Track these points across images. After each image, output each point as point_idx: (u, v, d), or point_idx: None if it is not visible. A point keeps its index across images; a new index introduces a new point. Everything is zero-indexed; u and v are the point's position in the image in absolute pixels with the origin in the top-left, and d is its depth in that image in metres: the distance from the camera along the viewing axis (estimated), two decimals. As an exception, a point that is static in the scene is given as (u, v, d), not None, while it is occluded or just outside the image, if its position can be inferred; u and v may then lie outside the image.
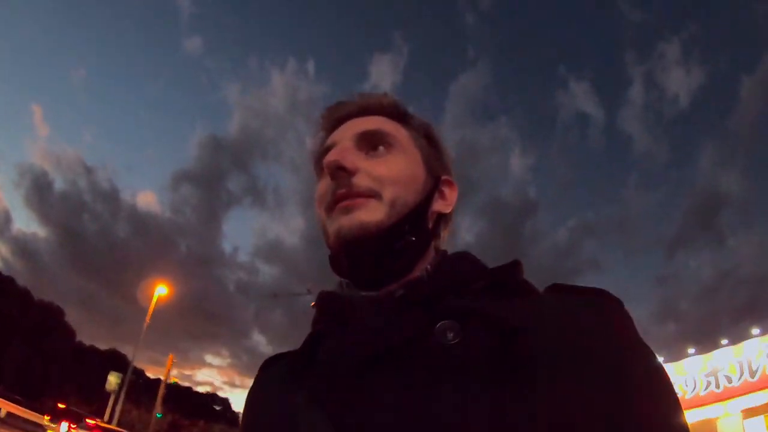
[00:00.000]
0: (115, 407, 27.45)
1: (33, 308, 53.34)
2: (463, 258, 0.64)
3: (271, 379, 0.68)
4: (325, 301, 0.66)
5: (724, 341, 13.74)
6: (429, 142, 0.73)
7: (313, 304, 0.68)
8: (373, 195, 0.62)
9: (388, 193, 0.63)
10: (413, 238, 0.63)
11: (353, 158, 0.64)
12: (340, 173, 0.63)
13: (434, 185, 0.70)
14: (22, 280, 49.81)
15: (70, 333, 62.31)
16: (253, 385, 0.71)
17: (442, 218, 0.72)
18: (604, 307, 0.55)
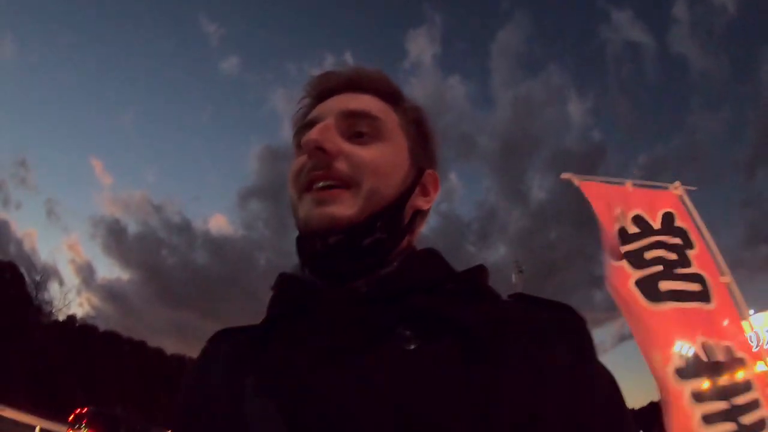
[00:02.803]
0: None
1: (168, 362, 60.00)
2: (431, 257, 0.63)
3: (219, 357, 0.62)
4: (285, 285, 0.63)
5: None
6: (418, 129, 0.69)
7: (271, 286, 0.64)
8: (350, 184, 0.60)
9: (366, 184, 0.60)
10: (385, 236, 0.60)
11: (335, 140, 0.61)
12: (319, 154, 0.59)
13: (416, 178, 0.66)
14: (113, 323, 55.42)
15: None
16: (198, 359, 0.65)
17: (419, 214, 0.67)
18: (567, 323, 0.54)
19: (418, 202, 0.67)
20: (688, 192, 3.45)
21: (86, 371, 43.76)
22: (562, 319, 0.55)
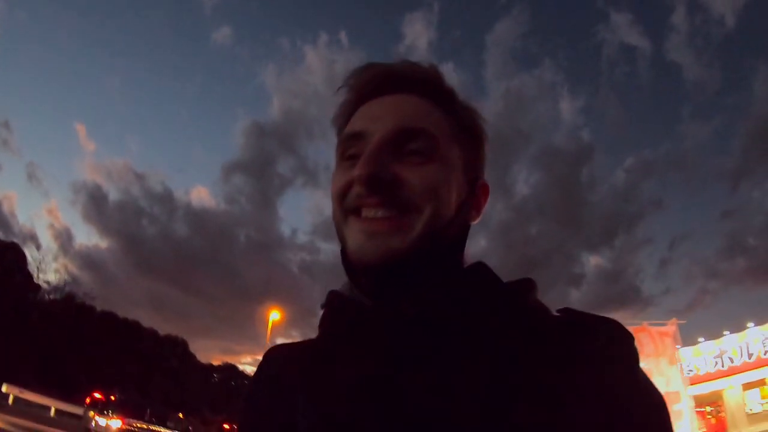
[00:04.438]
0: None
1: (161, 343, 61.86)
2: (479, 272, 0.60)
3: (273, 373, 0.65)
4: (335, 304, 0.63)
5: (726, 332, 17.36)
6: (471, 134, 0.64)
7: (322, 304, 0.65)
8: (409, 210, 0.56)
9: (426, 210, 0.56)
10: (441, 258, 0.58)
11: (389, 166, 0.57)
12: (374, 184, 0.56)
13: (470, 192, 0.63)
14: (87, 290, 55.01)
15: (191, 357, 71.22)
16: (255, 375, 0.68)
17: (469, 228, 0.64)
18: (614, 339, 0.53)
19: (470, 216, 0.64)
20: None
21: (85, 351, 45.50)
22: (609, 334, 0.53)
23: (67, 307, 49.59)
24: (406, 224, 0.56)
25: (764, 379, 15.85)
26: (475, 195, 0.64)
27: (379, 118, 0.60)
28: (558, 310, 0.58)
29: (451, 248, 0.61)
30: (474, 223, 0.65)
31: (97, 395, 22.50)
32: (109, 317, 55.26)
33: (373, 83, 0.63)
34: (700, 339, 18.26)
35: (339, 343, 0.59)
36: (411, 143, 0.58)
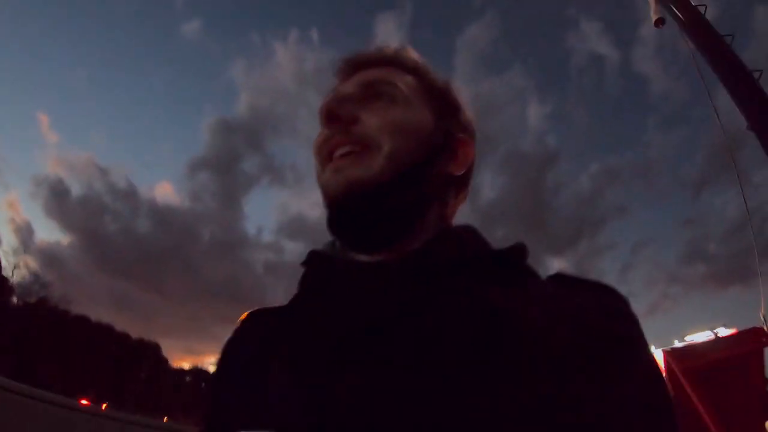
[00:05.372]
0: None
1: (133, 347, 61.58)
2: (468, 233, 0.60)
3: (250, 336, 0.63)
4: (314, 262, 0.62)
5: (675, 340, 19.08)
6: (445, 98, 0.67)
7: (302, 262, 0.63)
8: (370, 146, 0.58)
9: (385, 145, 0.58)
10: (410, 199, 0.58)
11: (349, 106, 0.60)
12: (335, 122, 0.59)
13: (443, 142, 0.63)
14: (54, 290, 53.38)
15: (164, 361, 70.85)
16: (231, 338, 0.65)
17: (453, 181, 0.65)
18: (609, 304, 0.51)
19: (448, 166, 0.64)
20: None
21: (59, 356, 45.25)
22: (604, 299, 0.52)
23: (41, 310, 49.17)
24: (368, 158, 0.58)
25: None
26: (453, 146, 0.65)
27: (348, 83, 0.67)
28: (550, 276, 0.57)
29: (423, 191, 0.61)
30: (455, 174, 0.65)
31: (83, 402, 22.91)
32: (83, 321, 54.86)
33: (349, 65, 0.69)
34: (652, 346, 19.86)
35: (316, 303, 0.57)
36: (373, 92, 0.63)
